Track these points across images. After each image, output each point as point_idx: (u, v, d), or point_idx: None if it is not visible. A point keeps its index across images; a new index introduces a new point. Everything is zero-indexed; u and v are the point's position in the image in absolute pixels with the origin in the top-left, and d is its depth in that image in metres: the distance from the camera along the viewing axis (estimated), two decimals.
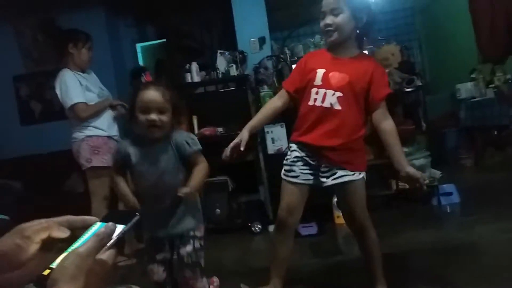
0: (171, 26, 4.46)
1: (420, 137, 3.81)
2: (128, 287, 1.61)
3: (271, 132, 3.72)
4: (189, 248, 1.75)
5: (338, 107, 1.73)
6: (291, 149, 1.87)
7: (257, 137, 3.63)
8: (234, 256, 2.95)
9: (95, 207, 2.80)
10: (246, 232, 3.34)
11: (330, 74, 1.75)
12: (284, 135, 3.63)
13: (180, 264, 1.75)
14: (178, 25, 4.68)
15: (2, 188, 3.71)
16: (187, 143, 1.70)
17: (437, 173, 3.45)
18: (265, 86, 3.78)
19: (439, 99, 5.37)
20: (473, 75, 4.93)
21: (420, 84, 3.50)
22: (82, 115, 2.73)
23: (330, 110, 1.74)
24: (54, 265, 0.52)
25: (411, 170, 1.67)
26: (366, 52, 1.94)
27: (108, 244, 0.56)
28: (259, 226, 3.36)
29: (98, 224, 0.59)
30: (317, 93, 1.76)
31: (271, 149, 3.71)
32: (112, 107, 2.92)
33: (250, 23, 4.01)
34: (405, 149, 3.50)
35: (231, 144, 1.80)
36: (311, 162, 1.81)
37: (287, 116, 3.57)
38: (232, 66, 3.82)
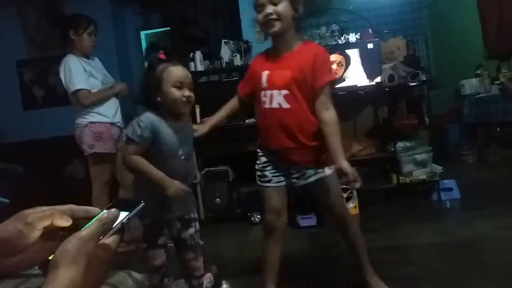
0: (176, 14, 4.43)
1: (422, 132, 3.80)
2: (127, 273, 1.62)
3: None
4: (191, 230, 1.79)
5: (286, 105, 1.70)
6: (259, 154, 1.85)
7: None
8: (233, 245, 2.97)
9: (96, 193, 2.81)
10: (245, 222, 3.36)
11: (274, 73, 1.73)
12: None
13: (184, 246, 1.79)
14: (183, 13, 4.65)
15: (4, 171, 3.73)
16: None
17: (438, 168, 3.44)
18: None
19: (443, 94, 5.34)
20: (478, 71, 4.90)
21: (425, 78, 3.48)
22: (84, 102, 2.73)
23: (279, 110, 1.71)
24: None
25: (344, 164, 1.60)
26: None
27: (112, 230, 0.56)
28: (258, 216, 3.37)
29: (104, 212, 0.59)
30: (265, 95, 1.74)
31: None
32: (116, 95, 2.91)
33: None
34: (408, 144, 3.50)
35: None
36: (281, 165, 1.80)
37: None
38: (236, 55, 3.81)
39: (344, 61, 3.46)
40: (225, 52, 3.87)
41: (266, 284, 1.88)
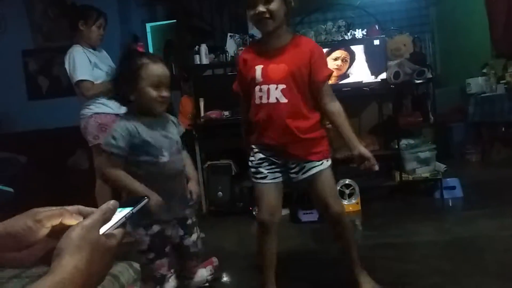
0: (182, 6, 4.41)
1: (427, 130, 3.79)
2: (128, 263, 1.63)
3: None
4: (194, 236, 1.77)
5: (284, 99, 1.68)
6: (254, 151, 1.81)
7: None
8: (234, 238, 2.98)
9: (99, 183, 2.82)
10: (246, 216, 3.36)
11: (269, 67, 1.70)
12: None
13: (187, 254, 1.77)
14: (189, 6, 4.64)
15: (8, 161, 3.74)
16: (178, 122, 1.76)
17: (442, 167, 3.43)
18: None
19: (448, 93, 5.31)
20: (484, 70, 4.87)
21: (431, 76, 3.46)
22: (86, 93, 2.73)
23: (277, 105, 1.69)
24: None
25: (362, 149, 1.65)
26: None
27: (116, 224, 0.57)
28: None
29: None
30: (260, 90, 1.71)
31: None
32: None
33: None
34: (411, 141, 3.49)
35: None
36: (277, 161, 1.78)
37: None
38: (241, 49, 3.79)
39: (348, 57, 3.45)
40: (231, 46, 3.86)
41: (266, 285, 1.85)
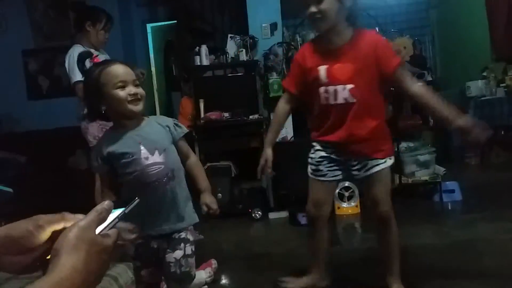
0: (182, 7, 4.42)
1: (426, 133, 3.80)
2: (127, 265, 1.62)
3: None
4: (178, 254, 1.48)
5: (352, 99, 1.67)
6: (315, 148, 1.82)
7: (263, 124, 3.63)
8: (233, 240, 2.97)
9: (98, 184, 2.81)
10: (246, 218, 3.36)
11: (334, 68, 1.67)
12: (290, 124, 3.62)
13: (167, 272, 1.49)
14: (190, 7, 4.64)
15: (7, 161, 3.74)
16: (175, 124, 1.55)
17: (441, 170, 3.43)
18: (274, 73, 3.75)
19: (448, 96, 5.27)
20: (484, 73, 4.87)
21: (431, 79, 3.47)
22: (81, 95, 2.73)
23: (346, 105, 1.68)
24: None
25: (461, 121, 1.57)
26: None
27: (110, 225, 0.58)
28: (259, 212, 3.37)
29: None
30: (326, 91, 1.69)
31: None
32: None
33: (263, 8, 3.97)
34: (411, 144, 3.49)
35: (259, 167, 1.87)
36: (339, 158, 1.77)
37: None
38: (242, 51, 3.79)
39: None
40: (231, 47, 3.86)
41: (314, 268, 1.93)
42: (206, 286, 2.08)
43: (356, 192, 3.29)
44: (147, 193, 1.42)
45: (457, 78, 5.61)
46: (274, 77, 3.69)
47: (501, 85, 4.57)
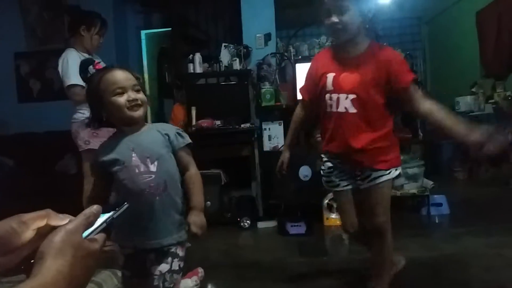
0: (177, 15, 4.44)
1: (416, 146, 3.83)
2: (112, 272, 1.61)
3: (269, 129, 3.73)
4: (164, 267, 1.41)
5: (353, 110, 1.66)
6: (324, 160, 1.84)
7: (254, 133, 3.64)
8: (221, 249, 2.96)
9: (87, 189, 2.79)
10: (234, 227, 3.35)
11: (341, 76, 1.68)
12: (281, 133, 3.64)
13: (150, 286, 1.41)
14: (185, 15, 4.66)
15: None
16: (178, 133, 1.48)
17: (429, 183, 3.46)
18: (267, 83, 3.78)
19: None
20: (473, 89, 4.95)
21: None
22: (76, 98, 2.72)
23: (346, 115, 1.68)
24: None
25: (474, 136, 1.54)
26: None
27: (97, 229, 0.57)
28: (248, 221, 3.37)
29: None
30: (330, 98, 1.70)
31: (267, 146, 3.72)
32: None
33: (257, 19, 4.00)
34: (400, 157, 3.52)
35: (277, 167, 1.98)
36: (345, 168, 1.79)
37: (286, 114, 3.60)
38: (235, 60, 3.82)
39: None
40: (225, 56, 3.89)
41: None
42: None
43: None
44: (136, 203, 1.35)
45: (447, 93, 5.68)
46: (266, 87, 3.72)
47: (490, 101, 4.64)
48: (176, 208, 1.46)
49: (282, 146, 3.62)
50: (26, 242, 0.57)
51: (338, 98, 1.68)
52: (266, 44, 3.99)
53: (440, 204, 3.37)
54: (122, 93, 1.38)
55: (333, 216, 3.26)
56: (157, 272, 1.40)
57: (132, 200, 1.29)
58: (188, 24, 4.67)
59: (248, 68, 3.89)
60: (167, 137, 1.45)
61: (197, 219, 1.45)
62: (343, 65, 1.69)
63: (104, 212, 0.60)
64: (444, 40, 6.21)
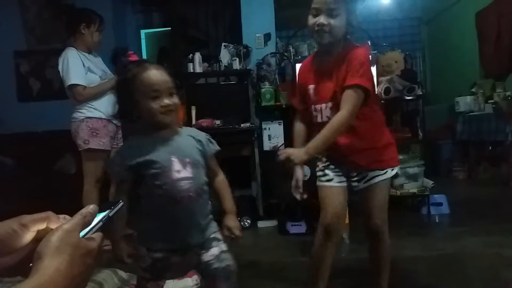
0: (177, 14, 4.43)
1: (415, 146, 3.83)
2: (113, 271, 1.61)
3: (269, 129, 3.73)
4: (214, 250, 1.42)
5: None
6: (320, 156, 1.81)
7: (254, 132, 3.64)
8: None
9: (86, 188, 2.79)
10: None
11: (319, 87, 1.68)
12: (281, 133, 3.64)
13: (210, 271, 1.41)
14: (185, 14, 4.66)
15: None
16: (208, 139, 1.46)
17: (429, 183, 3.46)
18: (267, 83, 3.77)
19: (437, 110, 5.40)
20: (473, 89, 4.96)
21: (421, 93, 3.51)
22: (78, 98, 2.72)
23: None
24: None
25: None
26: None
27: (94, 228, 0.58)
28: (248, 221, 3.37)
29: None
30: (315, 110, 1.71)
31: (267, 145, 3.72)
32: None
33: (257, 18, 4.00)
34: (400, 157, 3.51)
35: (292, 189, 1.72)
36: (341, 168, 1.75)
37: (285, 114, 3.60)
38: (235, 59, 3.82)
39: None
40: (225, 56, 3.89)
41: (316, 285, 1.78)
42: None
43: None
44: (174, 208, 1.34)
45: (447, 93, 5.70)
46: (266, 86, 3.72)
47: (489, 101, 4.65)
48: (208, 210, 1.47)
49: (282, 145, 3.63)
50: (26, 244, 0.57)
51: (320, 108, 1.68)
52: (266, 44, 3.99)
53: (440, 204, 3.38)
54: (157, 97, 1.32)
55: None
56: (210, 258, 1.40)
57: (170, 206, 1.34)
58: (188, 24, 4.66)
59: (248, 68, 3.89)
60: (200, 143, 1.44)
61: (236, 224, 1.47)
62: (321, 75, 1.68)
63: (100, 211, 0.60)
64: (443, 40, 6.22)
